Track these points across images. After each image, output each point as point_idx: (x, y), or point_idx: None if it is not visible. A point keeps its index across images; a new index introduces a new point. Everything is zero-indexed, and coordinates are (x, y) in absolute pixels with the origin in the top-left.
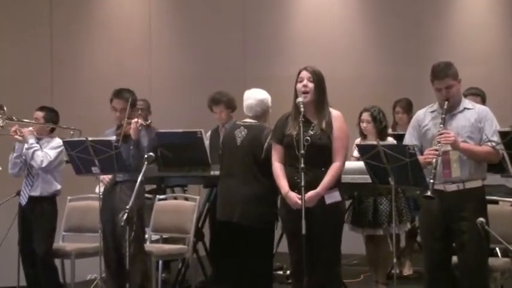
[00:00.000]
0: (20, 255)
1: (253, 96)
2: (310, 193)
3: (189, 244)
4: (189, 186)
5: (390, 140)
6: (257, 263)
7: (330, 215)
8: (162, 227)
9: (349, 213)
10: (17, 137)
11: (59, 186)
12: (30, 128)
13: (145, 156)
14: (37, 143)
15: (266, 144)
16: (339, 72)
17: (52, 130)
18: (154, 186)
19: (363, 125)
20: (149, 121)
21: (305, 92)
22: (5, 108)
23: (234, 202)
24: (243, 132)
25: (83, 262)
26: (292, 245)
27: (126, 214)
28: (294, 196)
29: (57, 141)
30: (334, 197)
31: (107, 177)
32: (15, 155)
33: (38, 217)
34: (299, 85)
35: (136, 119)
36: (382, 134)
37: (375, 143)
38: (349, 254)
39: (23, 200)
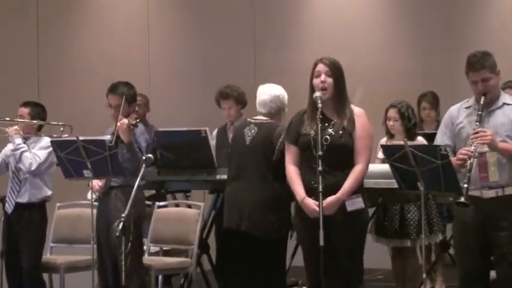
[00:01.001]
0: (4, 269)
1: (268, 91)
2: (330, 199)
3: (192, 257)
4: (192, 191)
5: (420, 140)
6: (268, 278)
7: (352, 224)
8: (162, 237)
9: (373, 223)
10: None
11: (49, 192)
12: (16, 127)
13: (143, 158)
14: (24, 143)
15: (279, 144)
16: (360, 65)
17: (39, 128)
18: (154, 191)
19: (390, 123)
20: (137, 119)
21: (323, 89)
22: None
23: (242, 208)
24: (252, 131)
25: (73, 277)
26: (308, 258)
27: (121, 223)
28: (311, 203)
29: (46, 141)
30: (357, 203)
31: (97, 184)
32: None
33: (25, 226)
34: (316, 81)
35: (122, 120)
36: (411, 133)
37: (402, 143)
38: (372, 268)
39: (9, 208)
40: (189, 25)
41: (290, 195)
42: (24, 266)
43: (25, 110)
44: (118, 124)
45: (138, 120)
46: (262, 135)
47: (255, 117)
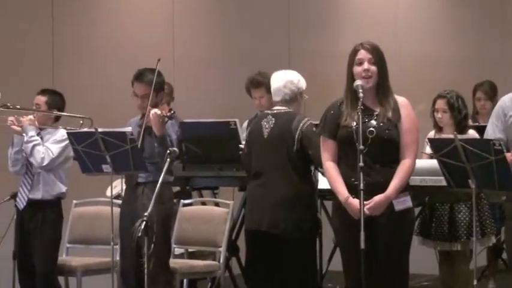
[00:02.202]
0: (18, 272)
1: (281, 77)
2: (377, 198)
3: (220, 260)
4: (220, 188)
5: (471, 133)
6: (299, 282)
7: (398, 225)
8: (187, 238)
9: (419, 224)
10: (14, 127)
11: (64, 188)
12: (31, 117)
13: (168, 151)
14: (38, 134)
15: (298, 132)
16: (405, 51)
17: (57, 118)
18: (178, 188)
19: (438, 115)
20: (171, 111)
21: (367, 77)
22: None
23: (263, 208)
24: (270, 122)
25: (91, 280)
26: (348, 263)
27: (144, 223)
28: (356, 203)
29: (62, 133)
30: (405, 202)
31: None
32: (15, 150)
33: (39, 225)
34: (358, 69)
35: (154, 110)
36: (461, 126)
37: (451, 136)
38: (418, 273)
39: (21, 204)
40: (216, 8)
41: (315, 190)
42: (38, 269)
43: (42, 99)
44: (152, 115)
45: (172, 112)
46: (280, 125)
47: (272, 108)
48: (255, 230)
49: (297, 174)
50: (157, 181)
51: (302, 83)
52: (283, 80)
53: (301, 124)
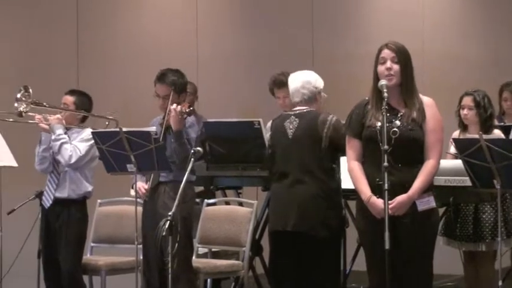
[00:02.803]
0: (43, 271)
1: (298, 77)
2: (400, 198)
3: (244, 259)
4: (244, 188)
5: (497, 133)
6: (321, 282)
7: (422, 225)
8: (211, 238)
9: (443, 224)
10: (42, 125)
11: (90, 188)
12: (59, 116)
13: (192, 151)
14: (65, 133)
15: (326, 128)
16: (430, 50)
17: (83, 119)
18: (202, 188)
19: (464, 111)
20: (191, 108)
21: (389, 76)
22: (30, 90)
23: (288, 206)
24: (294, 123)
25: (115, 279)
26: (372, 263)
27: (168, 222)
28: (379, 203)
29: (88, 132)
30: (428, 202)
31: (143, 186)
32: (42, 147)
33: (65, 224)
34: (381, 68)
35: (174, 105)
36: (486, 125)
37: (476, 136)
38: (442, 274)
39: (47, 202)
40: (240, 8)
41: (340, 188)
42: (63, 267)
43: (70, 99)
44: (171, 110)
45: (191, 109)
46: (304, 125)
47: (294, 109)
48: (281, 230)
49: (323, 173)
50: (178, 180)
51: (319, 82)
52: (300, 81)
53: (328, 119)
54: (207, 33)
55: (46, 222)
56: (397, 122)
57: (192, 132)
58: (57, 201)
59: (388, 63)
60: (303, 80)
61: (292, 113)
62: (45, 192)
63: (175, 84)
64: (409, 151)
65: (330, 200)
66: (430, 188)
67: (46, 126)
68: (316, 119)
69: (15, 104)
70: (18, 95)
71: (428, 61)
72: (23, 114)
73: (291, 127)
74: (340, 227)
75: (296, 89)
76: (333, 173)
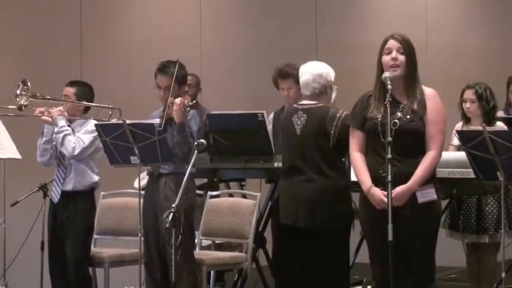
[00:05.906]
0: (49, 263)
1: (310, 70)
2: (399, 189)
3: (247, 251)
4: (247, 180)
5: (500, 125)
6: (329, 275)
7: (423, 217)
8: (214, 230)
9: (447, 216)
10: (44, 118)
11: (95, 178)
12: (60, 108)
13: (195, 143)
14: (68, 125)
15: (333, 128)
16: (433, 42)
17: (86, 110)
18: (205, 180)
19: (466, 105)
20: (194, 100)
21: (394, 66)
22: (28, 83)
23: (298, 202)
24: (302, 119)
25: (119, 271)
26: (375, 255)
27: (171, 214)
28: (379, 193)
29: (92, 124)
30: (428, 194)
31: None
32: (44, 140)
33: (72, 215)
34: (386, 58)
35: (178, 99)
36: (489, 117)
37: (480, 128)
38: (445, 266)
39: (55, 196)
40: (244, 10)
41: (349, 183)
42: (70, 257)
43: (71, 90)
44: (176, 103)
45: (194, 101)
46: (313, 122)
47: (302, 102)
48: (291, 225)
49: (331, 170)
50: (179, 172)
51: (331, 74)
52: (312, 73)
53: (337, 115)
54: (211, 24)
55: (54, 213)
56: (398, 114)
57: (193, 125)
58: (63, 194)
59: (394, 53)
60: (314, 73)
61: (300, 107)
62: (53, 187)
63: (176, 75)
64: (410, 143)
65: (339, 195)
66: (431, 180)
67: (48, 119)
68: (325, 116)
69: (17, 99)
70: (18, 91)
71: (431, 53)
72: (23, 108)
73: (298, 123)
74: (349, 221)
75: (307, 82)
76: (342, 169)
